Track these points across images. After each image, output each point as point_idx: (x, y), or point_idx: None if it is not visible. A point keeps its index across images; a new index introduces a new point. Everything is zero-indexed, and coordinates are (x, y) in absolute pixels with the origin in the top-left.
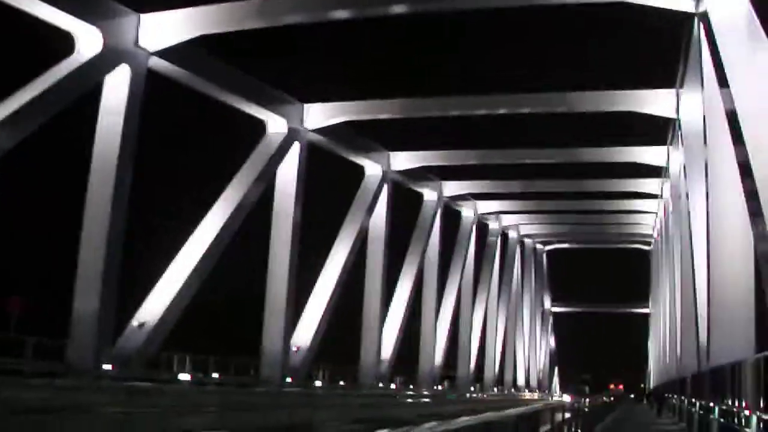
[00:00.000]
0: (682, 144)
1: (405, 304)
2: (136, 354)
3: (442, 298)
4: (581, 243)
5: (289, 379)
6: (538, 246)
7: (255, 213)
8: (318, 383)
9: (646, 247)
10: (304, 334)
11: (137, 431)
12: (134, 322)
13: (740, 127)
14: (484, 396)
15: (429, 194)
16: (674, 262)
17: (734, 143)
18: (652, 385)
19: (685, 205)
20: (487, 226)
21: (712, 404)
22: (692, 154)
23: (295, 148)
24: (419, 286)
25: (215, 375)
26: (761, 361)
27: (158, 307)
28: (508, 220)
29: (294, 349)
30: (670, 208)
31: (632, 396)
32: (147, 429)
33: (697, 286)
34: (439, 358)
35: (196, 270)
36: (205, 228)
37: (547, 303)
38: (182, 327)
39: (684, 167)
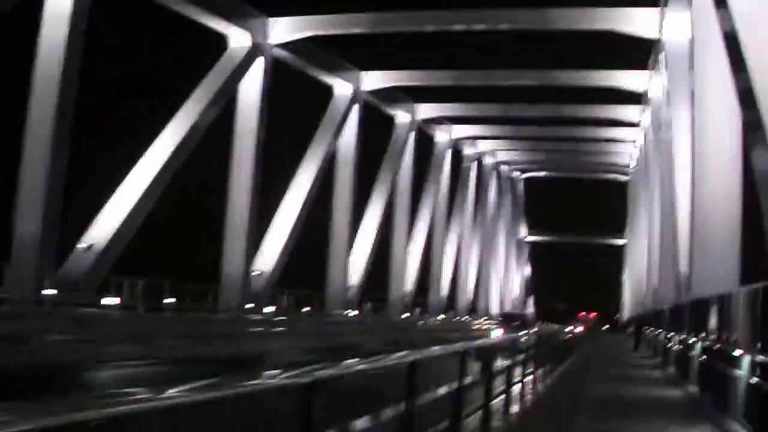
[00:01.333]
0: (666, 68)
1: (375, 230)
2: (83, 278)
3: (414, 225)
4: (558, 171)
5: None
6: (515, 173)
7: (216, 132)
8: (271, 308)
9: (623, 177)
10: (267, 258)
11: (69, 360)
12: (81, 245)
13: (741, 52)
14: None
15: (402, 117)
16: (654, 192)
17: (733, 68)
18: (626, 317)
19: (667, 132)
20: (461, 151)
21: (693, 339)
22: (677, 80)
23: (259, 64)
24: (390, 212)
25: (169, 300)
26: (759, 293)
27: (108, 229)
28: (483, 145)
29: (256, 273)
30: (651, 137)
31: (606, 327)
32: (80, 357)
33: (678, 217)
34: (409, 284)
35: (148, 191)
36: (160, 147)
37: (523, 232)
38: (134, 251)
39: (667, 93)
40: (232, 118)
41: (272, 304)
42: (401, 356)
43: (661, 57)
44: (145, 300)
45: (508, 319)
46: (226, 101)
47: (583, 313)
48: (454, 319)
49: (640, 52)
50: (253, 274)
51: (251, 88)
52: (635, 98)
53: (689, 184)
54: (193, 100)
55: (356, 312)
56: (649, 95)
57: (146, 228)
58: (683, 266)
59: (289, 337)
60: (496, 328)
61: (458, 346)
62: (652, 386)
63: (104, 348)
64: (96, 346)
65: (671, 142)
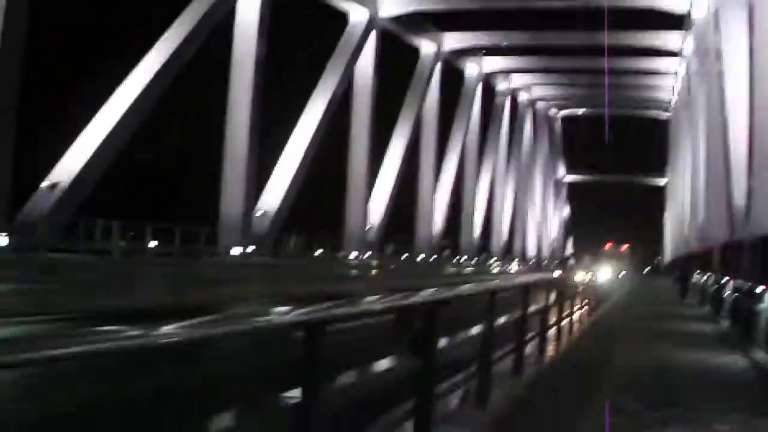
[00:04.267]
0: None
1: (398, 167)
2: (45, 221)
3: (443, 164)
4: (597, 108)
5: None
6: (551, 111)
7: (211, 55)
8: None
9: (665, 114)
10: (272, 197)
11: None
12: (45, 183)
13: None
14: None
15: (427, 47)
16: (699, 124)
17: None
18: (667, 260)
19: (715, 59)
20: (494, 87)
21: (761, 287)
22: None
23: None
24: (416, 150)
25: (153, 244)
26: None
27: (75, 165)
28: (518, 80)
29: (258, 213)
30: (695, 67)
31: (648, 269)
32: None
33: (732, 147)
34: (438, 225)
35: (124, 120)
36: (138, 75)
37: (561, 172)
38: (111, 188)
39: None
40: (230, 39)
41: (276, 247)
42: None
43: None
44: (124, 243)
45: None
46: (219, 20)
47: (609, 244)
48: (490, 262)
49: None
50: (257, 214)
51: (248, 8)
52: (677, 22)
53: (746, 111)
54: (178, 23)
55: (369, 254)
56: (693, 17)
57: (126, 162)
58: (739, 198)
59: (250, 284)
60: None
61: None
62: (702, 345)
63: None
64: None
65: (721, 72)
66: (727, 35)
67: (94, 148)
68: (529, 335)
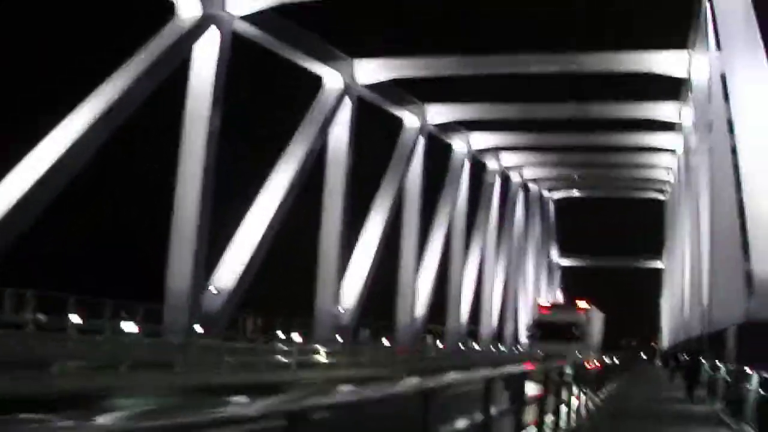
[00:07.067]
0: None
1: (376, 246)
2: None
3: (427, 243)
4: (591, 189)
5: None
6: (545, 192)
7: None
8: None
9: (661, 196)
10: (228, 273)
11: None
12: None
13: None
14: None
15: (409, 119)
16: (703, 199)
17: None
18: (666, 345)
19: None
20: (483, 164)
21: None
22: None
23: (214, 37)
24: (398, 228)
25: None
26: None
27: None
28: (509, 160)
29: (212, 290)
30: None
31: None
32: None
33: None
34: (421, 308)
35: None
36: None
37: (554, 255)
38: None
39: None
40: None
41: (231, 328)
42: None
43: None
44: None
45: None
46: (167, 74)
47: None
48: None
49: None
50: (211, 291)
51: (203, 64)
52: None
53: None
54: (124, 70)
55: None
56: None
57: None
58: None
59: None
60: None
61: None
62: None
63: None
64: None
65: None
66: (739, 102)
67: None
68: None
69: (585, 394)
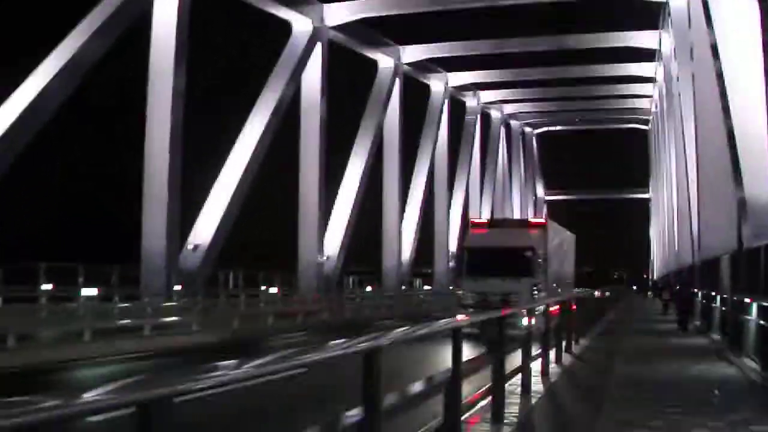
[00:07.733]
0: None
1: (357, 191)
2: None
3: (410, 187)
4: (573, 125)
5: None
6: (526, 129)
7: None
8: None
9: (644, 127)
10: (206, 227)
11: None
12: None
13: None
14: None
15: (384, 61)
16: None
17: None
18: (656, 276)
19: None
20: (463, 103)
21: None
22: None
23: None
24: (379, 173)
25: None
26: None
27: None
28: (488, 96)
29: (190, 247)
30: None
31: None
32: None
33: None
34: (407, 252)
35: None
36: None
37: (540, 191)
38: None
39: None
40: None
41: (212, 285)
42: None
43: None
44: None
45: None
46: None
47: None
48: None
49: None
50: (188, 248)
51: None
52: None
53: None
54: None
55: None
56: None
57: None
58: (758, 188)
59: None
60: None
61: None
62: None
63: None
64: None
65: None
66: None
67: None
68: None
69: (546, 354)
